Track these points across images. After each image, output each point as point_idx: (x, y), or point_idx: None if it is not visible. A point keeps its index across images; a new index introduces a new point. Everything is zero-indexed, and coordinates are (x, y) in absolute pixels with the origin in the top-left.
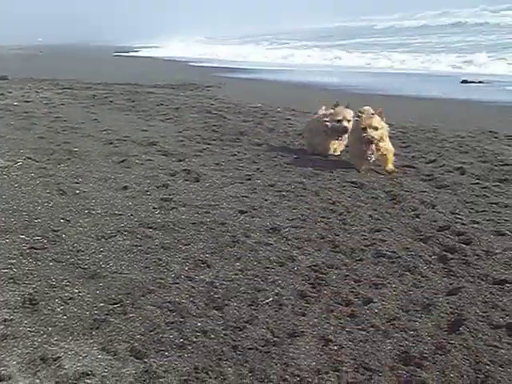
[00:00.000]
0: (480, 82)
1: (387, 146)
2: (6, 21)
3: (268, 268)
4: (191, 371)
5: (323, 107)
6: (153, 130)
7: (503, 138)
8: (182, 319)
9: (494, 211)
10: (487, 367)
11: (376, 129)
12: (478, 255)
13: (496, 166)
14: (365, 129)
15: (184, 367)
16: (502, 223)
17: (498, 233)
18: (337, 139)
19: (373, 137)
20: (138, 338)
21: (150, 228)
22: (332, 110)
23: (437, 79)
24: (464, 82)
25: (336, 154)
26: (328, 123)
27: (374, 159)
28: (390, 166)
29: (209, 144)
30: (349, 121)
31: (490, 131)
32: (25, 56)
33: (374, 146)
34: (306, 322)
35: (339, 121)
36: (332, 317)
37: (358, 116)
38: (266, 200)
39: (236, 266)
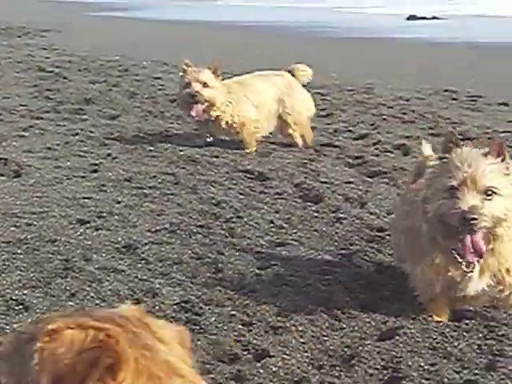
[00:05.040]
0: (434, 18)
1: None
2: None
3: (116, 308)
4: None
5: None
6: None
7: (464, 99)
8: None
9: None
10: None
11: (205, 85)
12: None
13: None
14: (188, 84)
15: None
16: None
17: None
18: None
19: (200, 93)
20: None
21: None
22: None
23: (374, 15)
24: (412, 17)
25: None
26: None
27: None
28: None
29: (38, 118)
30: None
31: (446, 90)
32: None
33: (200, 106)
34: None
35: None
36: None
37: (184, 70)
38: (118, 202)
39: (68, 306)
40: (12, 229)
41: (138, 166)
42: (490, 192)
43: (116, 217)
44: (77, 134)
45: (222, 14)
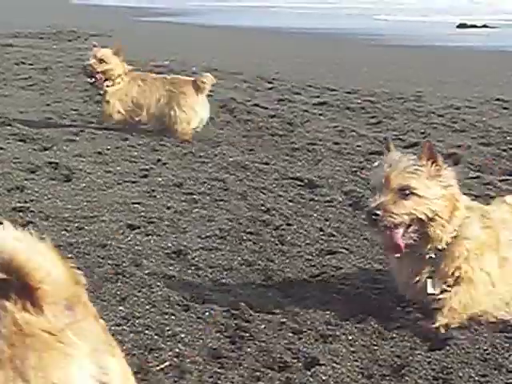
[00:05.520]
0: (484, 27)
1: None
2: None
3: (166, 314)
4: None
5: None
6: (7, 103)
7: None
8: None
9: None
10: None
11: (101, 61)
12: None
13: (505, 150)
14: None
15: None
16: None
17: None
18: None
19: (93, 66)
20: None
21: None
22: None
23: (424, 23)
24: (462, 26)
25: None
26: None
27: None
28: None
29: (89, 123)
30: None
31: (498, 99)
32: None
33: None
34: None
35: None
36: None
37: (90, 49)
38: (168, 208)
39: (119, 311)
40: (62, 233)
41: (188, 172)
42: (406, 191)
43: (166, 222)
44: (126, 139)
45: (271, 19)
